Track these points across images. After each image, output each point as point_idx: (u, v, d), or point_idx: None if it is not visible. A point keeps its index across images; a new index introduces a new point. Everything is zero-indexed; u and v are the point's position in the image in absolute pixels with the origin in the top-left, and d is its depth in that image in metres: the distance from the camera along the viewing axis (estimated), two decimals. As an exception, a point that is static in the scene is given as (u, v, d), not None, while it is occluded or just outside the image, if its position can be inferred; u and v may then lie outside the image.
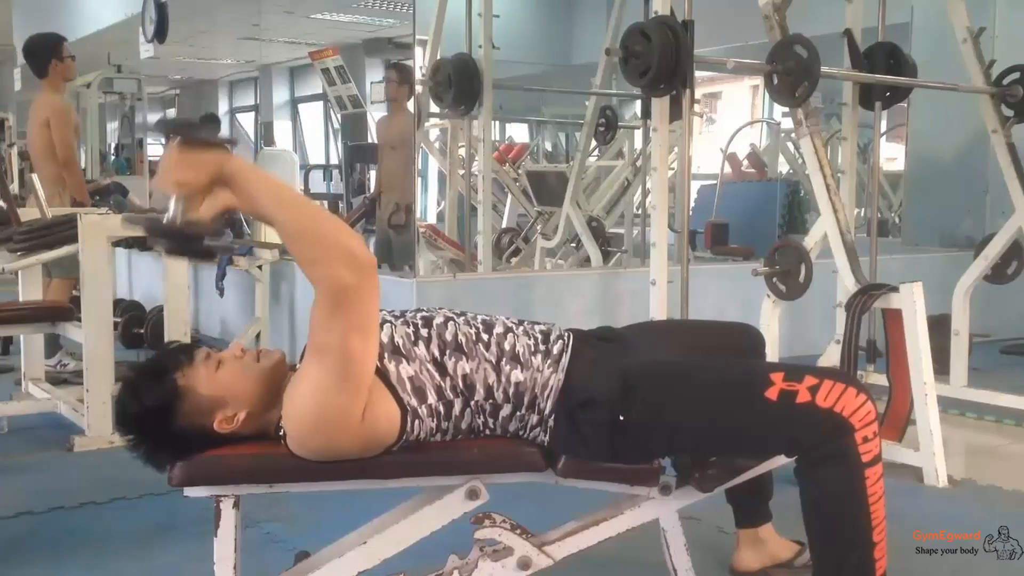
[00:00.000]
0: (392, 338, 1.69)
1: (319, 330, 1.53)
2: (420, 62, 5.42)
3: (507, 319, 1.81)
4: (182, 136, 1.45)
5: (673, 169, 4.35)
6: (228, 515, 1.66)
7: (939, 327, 3.70)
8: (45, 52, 4.83)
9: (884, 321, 3.12)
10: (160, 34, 7.05)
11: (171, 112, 10.89)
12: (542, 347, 1.75)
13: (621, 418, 1.68)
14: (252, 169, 1.50)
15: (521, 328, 1.78)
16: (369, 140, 6.65)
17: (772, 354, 3.30)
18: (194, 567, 1.90)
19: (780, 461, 1.85)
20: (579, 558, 1.82)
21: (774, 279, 3.40)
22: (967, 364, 4.02)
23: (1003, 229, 3.97)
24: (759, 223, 6.75)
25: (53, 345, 4.46)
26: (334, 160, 8.68)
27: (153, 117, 9.76)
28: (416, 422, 1.65)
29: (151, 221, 1.48)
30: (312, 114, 9.60)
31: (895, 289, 3.03)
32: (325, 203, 8.27)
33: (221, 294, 4.92)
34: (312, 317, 1.53)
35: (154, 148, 9.96)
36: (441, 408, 1.68)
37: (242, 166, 1.48)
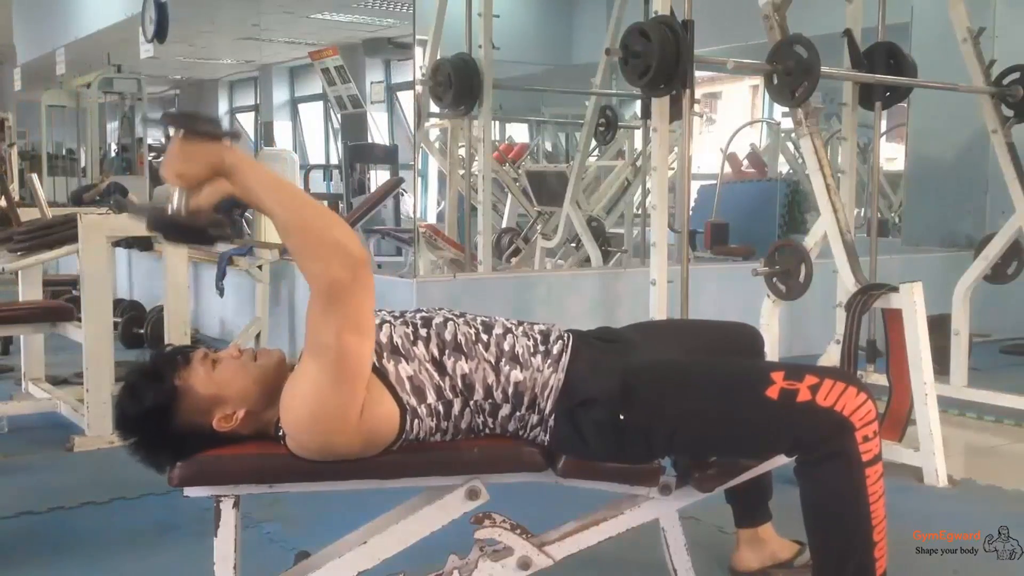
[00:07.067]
0: (391, 338, 1.69)
1: (315, 328, 1.55)
2: (420, 62, 5.42)
3: (506, 320, 1.81)
4: (185, 129, 1.48)
5: (673, 169, 4.35)
6: (228, 515, 1.66)
7: (939, 327, 3.70)
8: None
9: (884, 321, 3.12)
10: (160, 34, 7.07)
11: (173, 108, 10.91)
12: (542, 347, 1.75)
13: (621, 417, 1.68)
14: (251, 162, 1.53)
15: (520, 329, 1.79)
16: (369, 140, 6.65)
17: (772, 354, 3.30)
18: (194, 567, 1.90)
19: (780, 461, 1.85)
20: (579, 558, 1.82)
21: (774, 279, 3.40)
22: (967, 364, 4.01)
23: (1003, 229, 3.97)
24: (759, 223, 6.75)
25: None
26: (334, 160, 8.68)
27: (153, 117, 9.76)
28: (416, 421, 1.65)
29: (154, 212, 1.53)
30: (312, 114, 9.59)
31: (895, 289, 3.03)
32: (325, 203, 8.29)
33: (221, 294, 4.92)
34: (308, 315, 1.55)
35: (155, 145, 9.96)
36: (440, 408, 1.68)
37: (241, 159, 1.51)
